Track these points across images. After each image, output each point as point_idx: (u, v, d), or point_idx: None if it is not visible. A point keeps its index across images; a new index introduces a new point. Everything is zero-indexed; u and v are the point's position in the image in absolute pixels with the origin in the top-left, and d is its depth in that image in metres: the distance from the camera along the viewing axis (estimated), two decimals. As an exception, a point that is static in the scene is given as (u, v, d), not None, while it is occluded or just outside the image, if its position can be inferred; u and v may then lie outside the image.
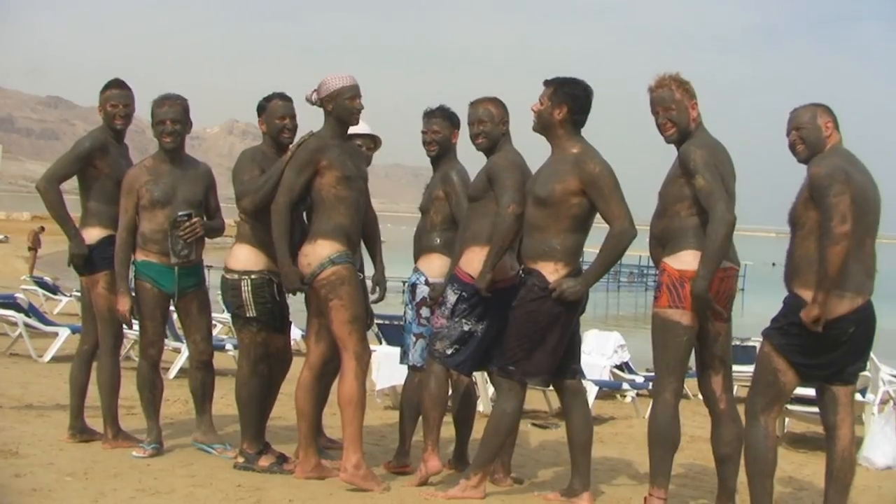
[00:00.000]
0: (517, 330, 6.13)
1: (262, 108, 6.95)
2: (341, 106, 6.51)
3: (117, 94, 7.21)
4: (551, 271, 6.05)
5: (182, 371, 11.49)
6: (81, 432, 7.39)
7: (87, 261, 7.13)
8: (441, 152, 6.94)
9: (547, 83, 6.21)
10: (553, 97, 6.14)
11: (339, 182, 6.45)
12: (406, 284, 7.12)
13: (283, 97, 6.96)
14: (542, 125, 6.19)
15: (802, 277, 5.53)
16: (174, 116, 7.04)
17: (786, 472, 8.12)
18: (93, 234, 7.15)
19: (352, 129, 6.84)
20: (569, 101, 6.13)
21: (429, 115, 6.99)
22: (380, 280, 6.97)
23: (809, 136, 5.69)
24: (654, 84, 6.05)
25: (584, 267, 6.17)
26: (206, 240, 7.22)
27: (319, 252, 6.39)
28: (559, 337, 6.12)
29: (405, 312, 7.08)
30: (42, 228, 36.12)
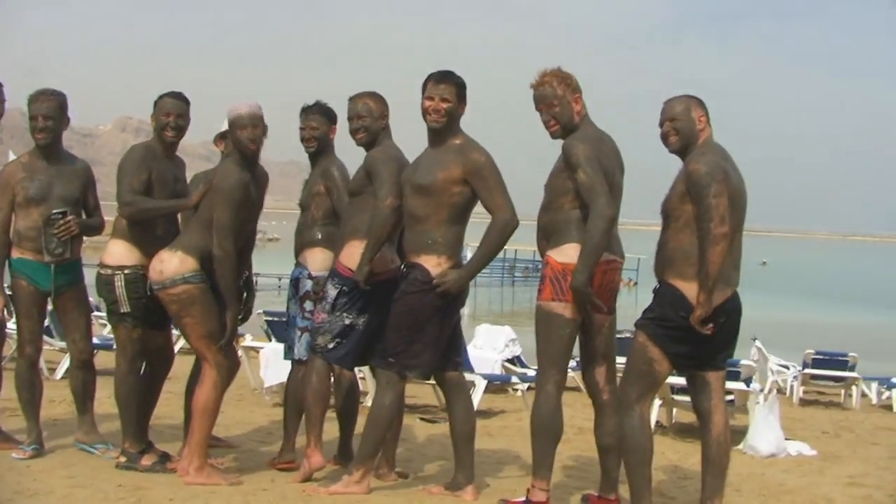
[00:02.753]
0: (397, 322, 6.12)
1: (154, 105, 6.82)
2: (236, 137, 6.45)
3: None
4: (434, 265, 6.06)
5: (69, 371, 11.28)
6: (-40, 434, 7.21)
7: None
8: (320, 148, 6.94)
9: (442, 79, 6.14)
10: (459, 94, 6.14)
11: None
12: (290, 279, 7.06)
13: (175, 95, 6.82)
14: (451, 121, 6.14)
15: (677, 268, 5.60)
16: (46, 112, 6.90)
17: (671, 462, 8.26)
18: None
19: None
20: (465, 97, 6.18)
21: (306, 111, 6.98)
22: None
23: (683, 127, 5.73)
24: (535, 81, 6.06)
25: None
26: (86, 238, 7.10)
27: (177, 265, 6.30)
28: (440, 330, 6.14)
29: (288, 307, 7.04)
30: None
